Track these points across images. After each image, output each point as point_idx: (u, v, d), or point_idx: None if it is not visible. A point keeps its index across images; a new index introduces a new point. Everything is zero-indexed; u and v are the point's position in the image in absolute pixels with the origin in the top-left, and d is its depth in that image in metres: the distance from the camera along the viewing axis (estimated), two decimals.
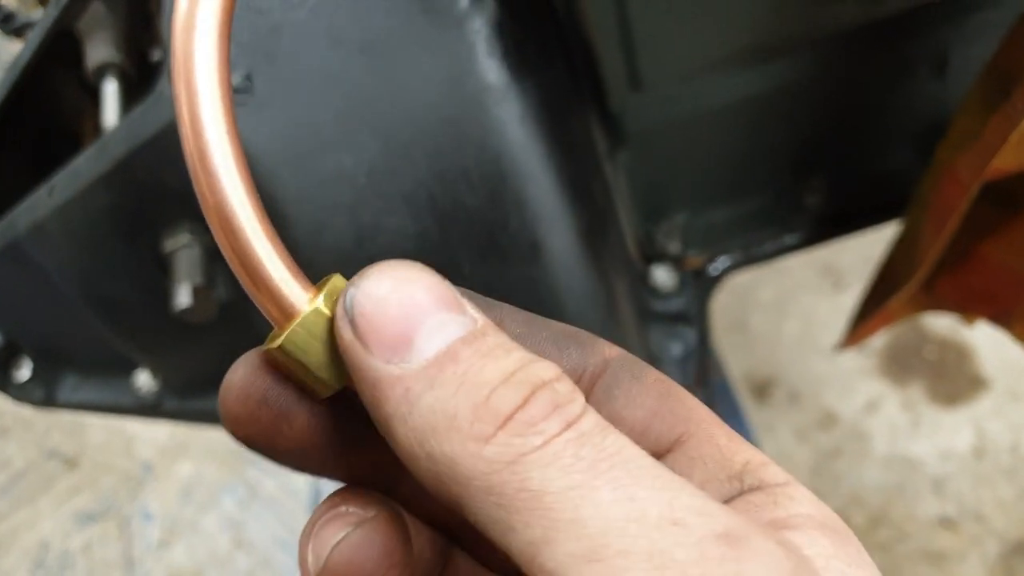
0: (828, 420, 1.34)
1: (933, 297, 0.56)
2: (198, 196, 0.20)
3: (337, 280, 0.22)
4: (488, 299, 0.25)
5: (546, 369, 0.20)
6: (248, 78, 0.44)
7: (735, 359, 1.38)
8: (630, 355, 0.26)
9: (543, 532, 0.17)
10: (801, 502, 0.22)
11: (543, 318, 0.26)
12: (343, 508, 0.23)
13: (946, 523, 1.26)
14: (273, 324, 0.21)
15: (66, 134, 0.68)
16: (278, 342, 0.21)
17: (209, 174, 0.20)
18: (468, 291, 0.24)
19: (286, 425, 0.22)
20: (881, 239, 0.61)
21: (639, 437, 0.24)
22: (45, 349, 0.66)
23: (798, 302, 1.43)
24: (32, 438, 1.38)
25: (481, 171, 0.42)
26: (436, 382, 0.19)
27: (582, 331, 0.26)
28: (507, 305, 0.26)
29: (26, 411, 1.39)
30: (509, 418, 0.18)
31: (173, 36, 0.21)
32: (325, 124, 0.43)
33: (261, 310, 0.21)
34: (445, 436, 0.19)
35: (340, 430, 0.24)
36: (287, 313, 0.21)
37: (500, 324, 0.24)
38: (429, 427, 0.19)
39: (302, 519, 1.28)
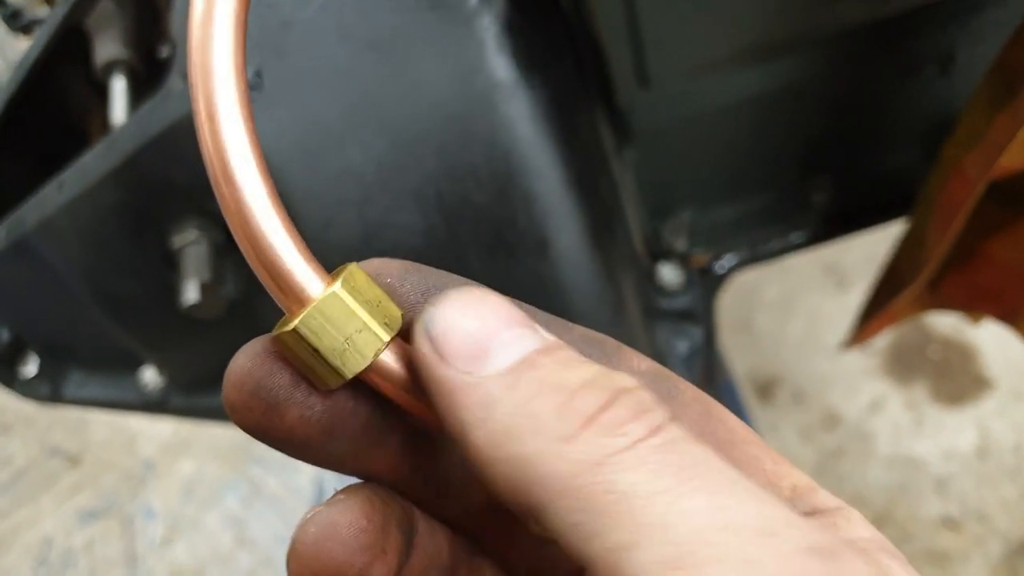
0: (832, 420, 1.34)
1: (939, 296, 0.56)
2: (212, 180, 0.20)
3: (353, 268, 0.21)
4: (521, 304, 0.24)
5: (626, 378, 0.19)
6: (258, 74, 0.44)
7: (739, 358, 1.38)
8: (662, 369, 0.25)
9: (629, 536, 0.17)
10: (858, 526, 0.21)
11: (565, 321, 0.25)
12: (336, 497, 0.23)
13: (949, 523, 1.26)
14: (285, 310, 0.21)
15: (73, 132, 0.68)
16: (292, 325, 0.20)
17: (223, 159, 0.20)
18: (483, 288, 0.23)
19: (277, 417, 0.22)
20: (886, 239, 0.61)
21: None
22: (51, 345, 0.66)
23: (802, 302, 1.43)
24: (34, 435, 1.38)
25: (489, 168, 0.42)
26: (516, 385, 0.19)
27: (608, 338, 0.25)
28: (532, 308, 0.25)
29: (28, 408, 1.39)
30: (593, 419, 0.18)
31: (190, 26, 0.21)
32: (334, 120, 0.43)
33: (274, 296, 0.21)
34: (528, 437, 0.18)
35: (347, 425, 0.23)
36: (301, 299, 0.20)
37: None
38: (508, 429, 0.18)
39: None
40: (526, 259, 0.44)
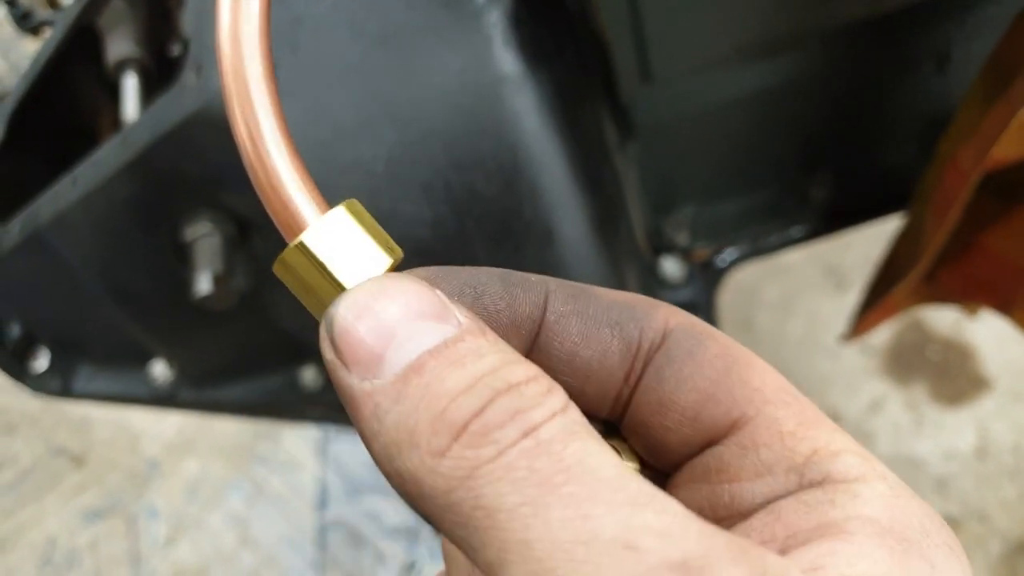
0: (832, 419, 1.35)
1: (935, 287, 0.57)
2: (229, 114, 0.21)
3: (350, 201, 0.22)
4: (530, 276, 0.24)
5: (518, 371, 0.18)
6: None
7: None
8: (694, 322, 0.23)
9: (497, 554, 0.16)
10: (867, 502, 0.19)
11: (596, 289, 0.24)
12: None
13: (949, 523, 1.26)
14: (288, 235, 0.21)
15: (84, 130, 0.69)
16: (298, 239, 0.21)
17: (243, 90, 0.21)
18: (505, 271, 0.23)
19: None
20: (884, 239, 0.62)
21: (691, 425, 0.22)
22: (63, 340, 0.67)
23: (802, 302, 1.44)
24: (39, 435, 1.39)
25: (497, 160, 0.43)
26: (401, 396, 0.18)
27: (641, 298, 0.24)
28: (553, 280, 0.24)
29: (33, 408, 1.40)
30: (464, 428, 0.17)
31: (219, 14, 0.22)
32: (344, 113, 0.44)
33: (278, 221, 0.22)
34: (407, 453, 0.18)
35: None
36: (301, 222, 0.21)
37: (545, 300, 0.23)
38: (394, 444, 0.18)
39: (308, 518, 1.29)
40: (532, 249, 0.45)
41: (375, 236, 0.22)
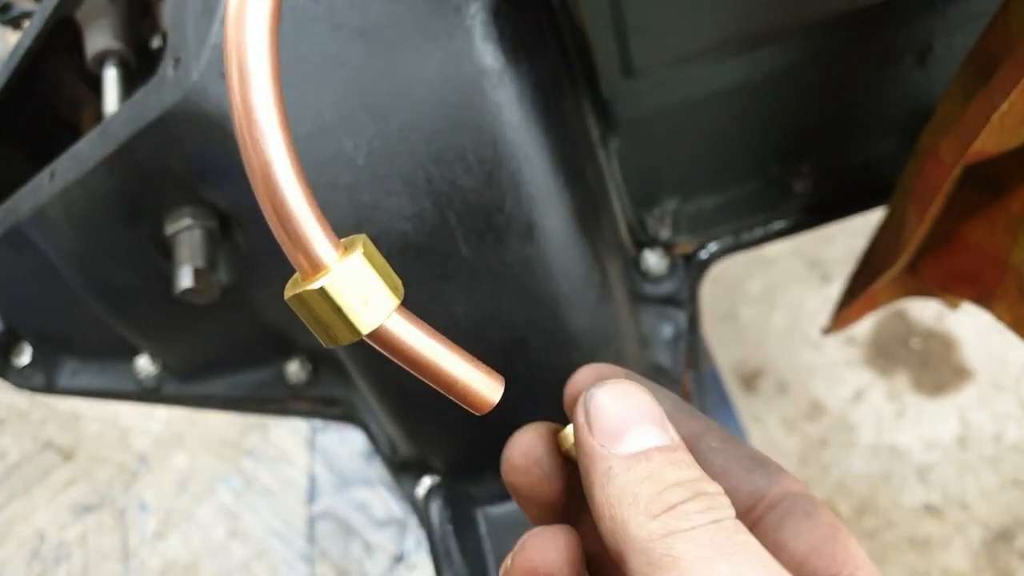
0: (815, 410, 1.36)
1: (917, 279, 0.58)
2: (242, 150, 0.22)
3: (364, 238, 0.24)
4: (695, 410, 0.32)
5: (712, 485, 0.26)
6: None
7: (724, 350, 1.40)
8: (810, 494, 0.31)
9: None
10: None
11: (740, 440, 0.32)
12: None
13: (931, 511, 1.28)
14: (302, 271, 0.23)
15: (66, 124, 0.69)
16: (319, 284, 0.22)
17: (253, 129, 0.22)
18: (688, 405, 0.33)
19: (547, 483, 0.32)
20: (868, 232, 0.62)
21: (797, 568, 0.29)
22: (45, 335, 0.67)
23: (786, 294, 1.45)
24: (27, 429, 1.38)
25: (478, 153, 0.43)
26: (631, 469, 0.26)
27: (772, 460, 0.32)
28: (713, 422, 0.32)
29: (21, 402, 1.39)
30: (674, 507, 0.25)
31: (227, 11, 0.22)
32: (324, 107, 0.44)
33: (292, 258, 0.23)
34: (626, 508, 0.26)
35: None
36: (319, 263, 0.23)
37: (701, 436, 0.32)
38: (617, 497, 0.26)
39: (297, 510, 1.29)
40: (514, 243, 0.45)
41: (384, 277, 0.24)
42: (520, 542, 0.30)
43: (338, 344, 0.24)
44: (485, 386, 0.27)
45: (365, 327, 0.23)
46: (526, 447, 0.32)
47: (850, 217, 0.63)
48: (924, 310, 1.41)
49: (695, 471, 0.27)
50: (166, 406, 0.69)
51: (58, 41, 0.63)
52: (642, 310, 0.59)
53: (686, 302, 0.59)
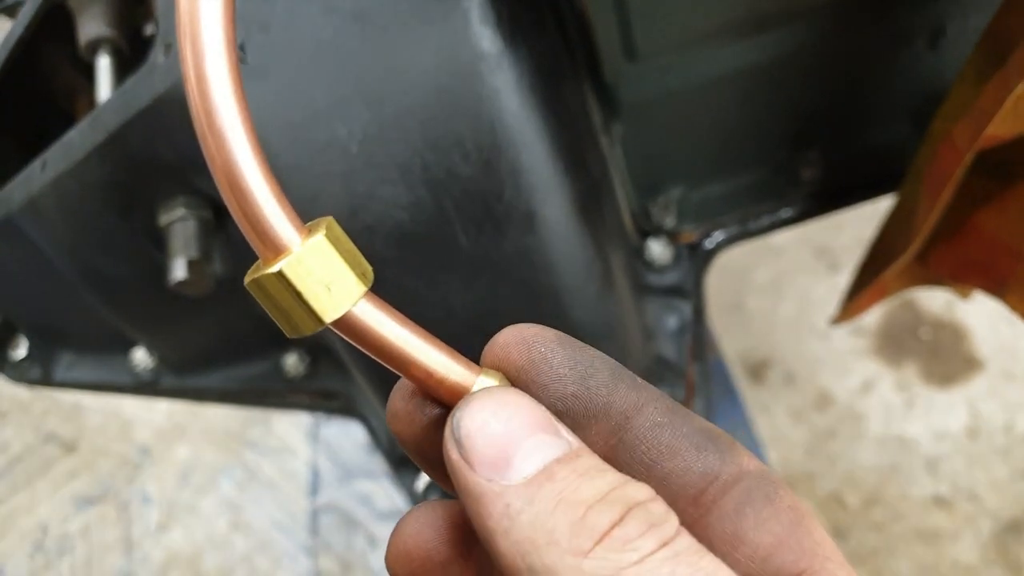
0: (823, 401, 1.34)
1: (927, 269, 0.56)
2: (197, 129, 0.20)
3: (330, 220, 0.22)
4: (637, 378, 0.26)
5: (640, 490, 0.21)
6: (242, 48, 0.44)
7: (731, 341, 1.39)
8: (767, 472, 0.26)
9: None
10: None
11: (687, 411, 0.27)
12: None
13: (940, 502, 1.26)
14: (262, 256, 0.21)
15: (60, 113, 0.67)
16: (276, 267, 0.21)
17: (209, 108, 0.20)
18: (626, 372, 0.26)
19: (435, 432, 0.25)
20: (876, 220, 0.61)
21: (761, 563, 0.25)
22: (41, 328, 0.66)
23: (793, 284, 1.44)
24: (29, 422, 1.38)
25: (475, 140, 0.42)
26: (535, 499, 0.21)
27: (723, 434, 0.26)
28: (654, 390, 0.26)
29: (23, 395, 1.39)
30: (606, 534, 0.20)
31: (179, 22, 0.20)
32: (318, 93, 0.43)
33: (252, 242, 0.21)
34: (545, 550, 0.20)
35: None
36: (279, 246, 0.21)
37: (641, 408, 0.26)
38: (529, 541, 0.20)
39: (300, 502, 1.28)
40: (513, 233, 0.44)
41: (350, 261, 0.22)
42: (395, 527, 0.26)
43: (301, 334, 0.22)
44: (462, 378, 0.24)
45: (328, 315, 0.21)
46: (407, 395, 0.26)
47: (859, 205, 0.62)
48: (933, 300, 1.39)
49: (611, 475, 0.22)
50: (164, 399, 0.68)
51: (51, 29, 0.62)
52: (646, 301, 0.57)
53: (691, 292, 0.58)
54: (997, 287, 0.52)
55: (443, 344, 0.24)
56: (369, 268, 0.23)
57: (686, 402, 0.54)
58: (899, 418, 1.32)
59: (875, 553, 1.24)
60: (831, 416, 1.33)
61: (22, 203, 0.54)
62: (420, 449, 0.26)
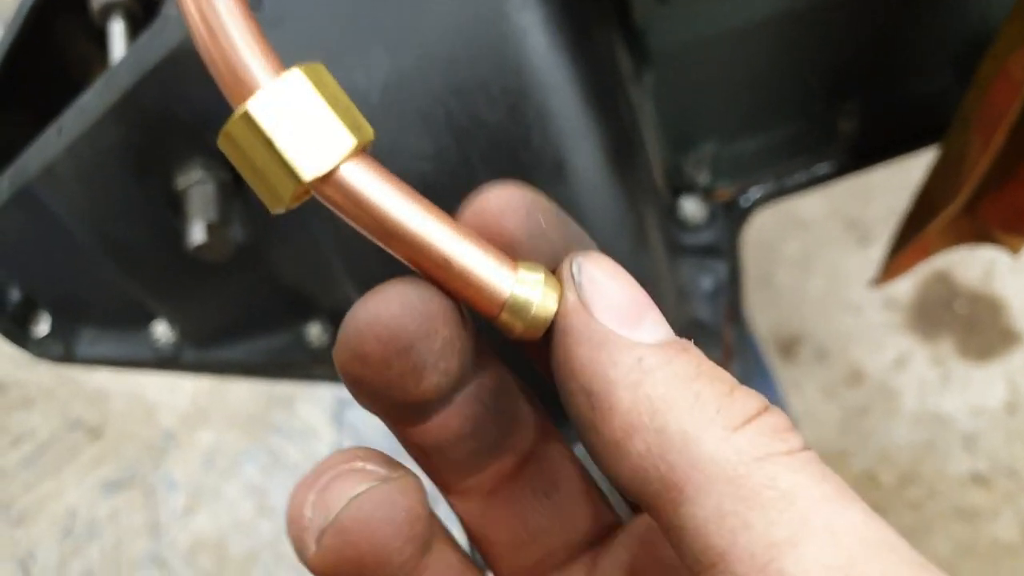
0: (856, 377, 1.31)
1: (975, 222, 0.54)
2: None
3: (319, 65, 0.19)
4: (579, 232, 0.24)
5: (762, 396, 0.19)
6: None
7: (761, 317, 1.36)
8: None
9: (791, 534, 0.16)
10: None
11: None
12: (360, 464, 0.21)
13: (978, 480, 1.23)
14: (233, 102, 0.18)
15: (75, 84, 0.66)
16: (243, 109, 0.17)
17: None
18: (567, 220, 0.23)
19: (413, 382, 0.20)
20: (908, 189, 0.58)
21: None
22: (62, 303, 0.65)
23: (823, 258, 1.40)
24: (56, 408, 1.39)
25: (501, 83, 0.40)
26: (674, 362, 0.18)
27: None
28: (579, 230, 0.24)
29: (49, 381, 1.39)
30: (755, 418, 0.18)
31: None
32: (335, 40, 0.41)
33: (224, 88, 0.18)
34: (686, 413, 0.17)
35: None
36: (245, 84, 0.18)
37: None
38: (664, 400, 0.18)
39: None
40: (542, 182, 0.42)
41: (339, 109, 0.18)
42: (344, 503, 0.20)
43: (284, 205, 0.18)
44: (494, 269, 0.19)
45: (308, 170, 0.18)
46: (396, 328, 0.20)
47: (899, 159, 0.59)
48: (969, 271, 1.36)
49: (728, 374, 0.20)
50: (187, 374, 0.67)
51: None
52: (680, 262, 0.55)
53: (726, 252, 0.56)
54: None
55: (462, 227, 0.20)
56: (368, 126, 0.19)
57: (723, 365, 0.52)
58: (934, 394, 1.29)
59: (911, 532, 1.21)
60: (864, 393, 1.30)
61: (39, 171, 0.53)
62: (385, 395, 0.21)
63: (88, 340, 0.66)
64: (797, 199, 0.61)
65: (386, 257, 0.20)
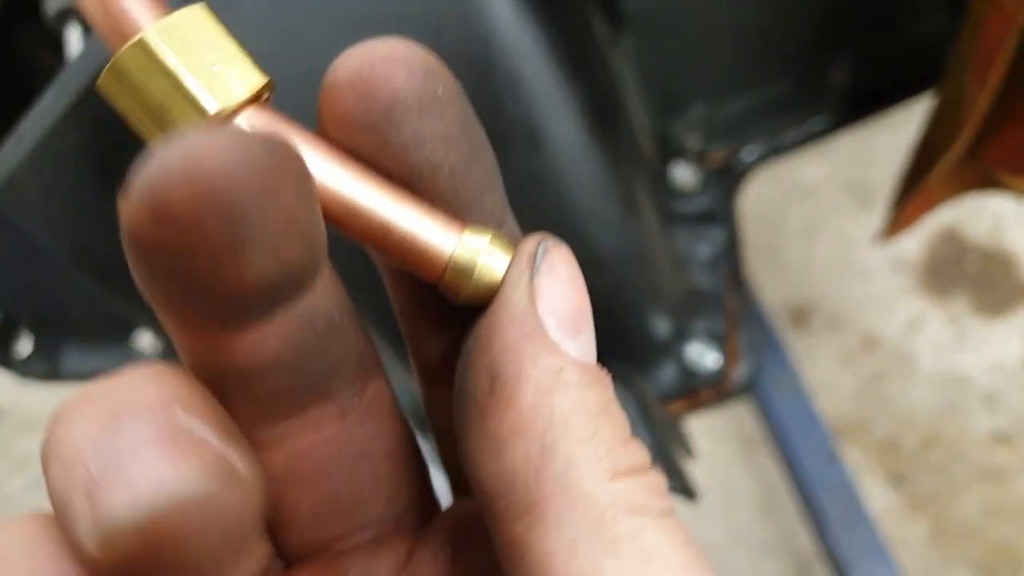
0: (870, 343, 1.29)
1: (980, 167, 0.51)
2: None
3: (205, 5, 0.17)
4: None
5: (648, 455, 0.19)
6: None
7: (769, 288, 1.33)
8: None
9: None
10: None
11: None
12: (184, 421, 0.14)
13: (1001, 439, 1.21)
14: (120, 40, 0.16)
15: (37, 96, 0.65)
16: (137, 36, 0.15)
17: None
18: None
19: (232, 261, 0.14)
20: (908, 147, 0.56)
21: None
22: (43, 320, 0.64)
23: (828, 224, 1.37)
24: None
25: (467, 53, 0.38)
26: (590, 388, 0.17)
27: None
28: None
29: (50, 404, 1.38)
30: (640, 470, 0.17)
31: None
32: (293, 20, 0.39)
33: (104, 38, 0.16)
34: (579, 442, 0.16)
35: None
36: (136, 21, 0.16)
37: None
38: (566, 420, 0.17)
39: None
40: (519, 153, 0.40)
41: (241, 48, 0.16)
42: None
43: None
44: (435, 234, 0.17)
45: (215, 100, 0.15)
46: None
47: (895, 108, 0.57)
48: (977, 226, 1.33)
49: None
50: None
51: (17, 7, 0.59)
52: (675, 230, 0.53)
53: (723, 218, 0.53)
54: None
55: (396, 182, 0.18)
56: (271, 78, 0.17)
57: (728, 335, 0.50)
58: (951, 354, 1.26)
59: (937, 497, 1.18)
60: (879, 358, 1.27)
61: (1, 184, 0.51)
62: (186, 277, 0.14)
63: (73, 356, 0.64)
64: (797, 166, 0.59)
65: None
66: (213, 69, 0.16)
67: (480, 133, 0.19)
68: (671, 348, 0.48)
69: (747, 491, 1.22)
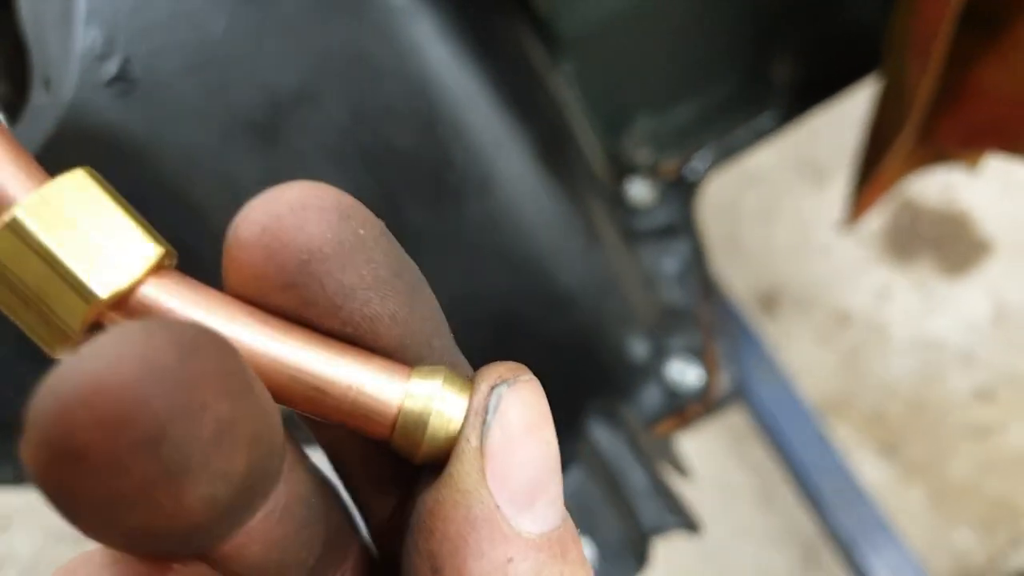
0: (842, 318, 1.30)
1: (932, 145, 0.51)
2: None
3: (90, 171, 0.15)
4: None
5: None
6: (127, 62, 0.38)
7: (734, 277, 1.34)
8: None
9: None
10: None
11: None
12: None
13: (983, 395, 1.22)
14: None
15: None
16: (9, 216, 0.13)
17: None
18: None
19: (168, 493, 0.12)
20: (854, 122, 0.56)
21: None
22: (6, 424, 0.61)
23: (783, 206, 1.38)
24: (35, 524, 1.33)
25: (408, 105, 0.37)
26: (545, 568, 0.15)
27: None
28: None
29: (23, 498, 1.33)
30: None
31: None
32: (221, 91, 0.37)
33: None
34: None
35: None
36: (10, 198, 0.14)
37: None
38: None
39: None
40: (474, 200, 0.39)
41: (131, 215, 0.14)
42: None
43: (71, 337, 0.13)
44: (378, 387, 0.15)
45: (106, 285, 0.13)
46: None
47: (840, 96, 0.57)
48: (928, 190, 1.35)
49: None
50: None
51: None
52: (639, 248, 0.52)
53: (685, 230, 0.53)
54: (1010, 142, 0.47)
55: (325, 336, 0.15)
56: (165, 242, 0.15)
57: (706, 347, 0.49)
58: (922, 318, 1.27)
59: (931, 462, 1.19)
60: (853, 332, 1.28)
61: None
62: (121, 519, 0.12)
63: None
64: (746, 153, 0.59)
65: None
66: (99, 245, 0.14)
67: (416, 272, 0.17)
68: (651, 369, 0.47)
69: (744, 484, 1.22)
